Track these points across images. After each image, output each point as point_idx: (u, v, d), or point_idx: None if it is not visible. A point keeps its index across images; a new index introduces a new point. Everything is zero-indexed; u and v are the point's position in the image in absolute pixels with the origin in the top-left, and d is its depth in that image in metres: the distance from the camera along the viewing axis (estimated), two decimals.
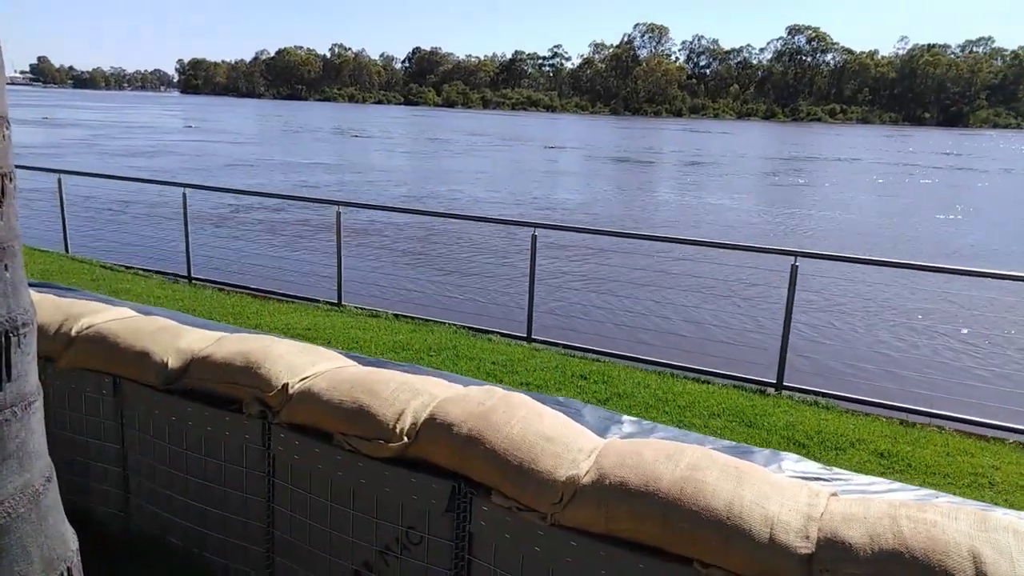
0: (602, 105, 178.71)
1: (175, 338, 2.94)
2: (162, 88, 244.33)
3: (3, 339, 0.91)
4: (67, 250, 9.04)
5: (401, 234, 12.12)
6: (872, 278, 9.39)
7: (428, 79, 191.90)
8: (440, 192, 20.04)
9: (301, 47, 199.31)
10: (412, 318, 6.84)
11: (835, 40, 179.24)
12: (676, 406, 4.71)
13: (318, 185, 19.90)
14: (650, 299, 8.63)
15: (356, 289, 8.42)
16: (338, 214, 7.73)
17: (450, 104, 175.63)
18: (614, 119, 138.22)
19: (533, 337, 6.44)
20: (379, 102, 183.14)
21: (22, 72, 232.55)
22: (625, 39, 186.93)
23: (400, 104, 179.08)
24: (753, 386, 5.41)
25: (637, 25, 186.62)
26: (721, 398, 4.90)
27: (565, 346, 6.21)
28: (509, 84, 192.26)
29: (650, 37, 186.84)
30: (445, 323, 6.68)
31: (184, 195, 8.24)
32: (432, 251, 10.20)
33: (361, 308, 7.36)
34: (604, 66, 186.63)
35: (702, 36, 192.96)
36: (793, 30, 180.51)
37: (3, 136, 0.91)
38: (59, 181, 9.29)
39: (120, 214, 12.97)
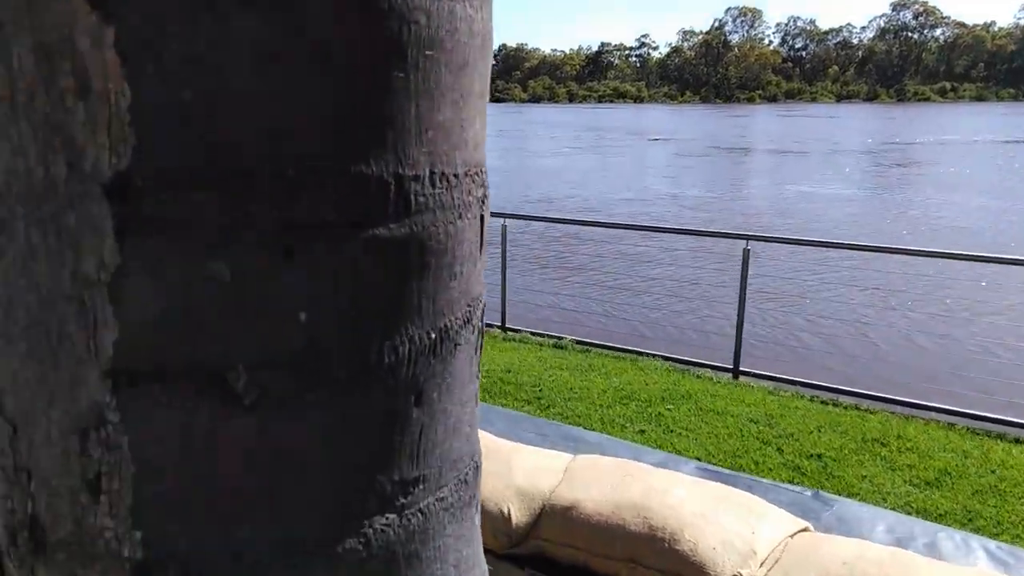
0: (691, 94, 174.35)
1: (506, 466, 2.05)
2: None
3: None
4: None
5: (541, 243, 11.59)
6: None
7: (514, 75, 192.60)
8: (569, 194, 19.54)
9: None
10: (606, 348, 6.49)
11: (945, 13, 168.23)
12: None
13: None
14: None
15: (521, 312, 7.71)
16: (504, 227, 7.28)
17: (536, 99, 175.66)
18: (706, 107, 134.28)
19: (741, 370, 5.92)
20: None
21: None
22: (716, 24, 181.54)
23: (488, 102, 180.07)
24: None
25: (729, 9, 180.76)
26: None
27: (791, 381, 5.69)
28: (595, 77, 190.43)
29: (742, 21, 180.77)
30: (644, 354, 6.27)
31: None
32: (590, 264, 9.69)
33: (535, 332, 6.97)
34: (693, 53, 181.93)
35: (798, 17, 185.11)
36: (898, 5, 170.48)
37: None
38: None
39: None
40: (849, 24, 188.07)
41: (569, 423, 4.22)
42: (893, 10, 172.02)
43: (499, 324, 7.12)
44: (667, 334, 7.42)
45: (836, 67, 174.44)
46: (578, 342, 6.56)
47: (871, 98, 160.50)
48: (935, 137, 40.86)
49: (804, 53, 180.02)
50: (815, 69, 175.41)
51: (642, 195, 18.01)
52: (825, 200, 18.62)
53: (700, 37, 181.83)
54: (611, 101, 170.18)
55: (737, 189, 20.35)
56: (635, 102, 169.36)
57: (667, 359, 6.18)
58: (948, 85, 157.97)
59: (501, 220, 7.08)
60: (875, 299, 8.31)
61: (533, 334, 6.75)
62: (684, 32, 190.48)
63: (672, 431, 4.58)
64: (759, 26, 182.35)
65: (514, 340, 6.73)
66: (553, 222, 9.84)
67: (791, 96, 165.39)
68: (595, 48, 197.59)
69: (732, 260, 6.66)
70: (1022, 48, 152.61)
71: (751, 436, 4.45)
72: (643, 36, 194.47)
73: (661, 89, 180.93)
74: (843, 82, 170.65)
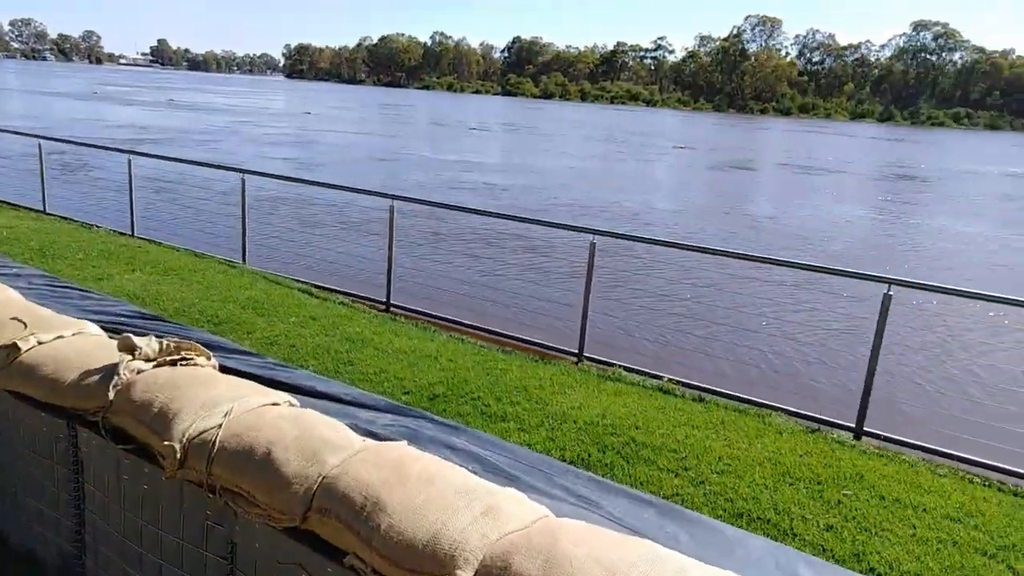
0: (704, 101, 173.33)
1: None
2: (268, 72, 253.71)
3: None
4: (244, 258, 7.65)
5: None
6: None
7: (527, 69, 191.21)
8: (616, 201, 18.15)
9: (403, 34, 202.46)
10: (721, 395, 5.23)
11: (965, 37, 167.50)
12: None
13: (501, 185, 18.25)
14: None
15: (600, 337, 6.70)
16: (592, 244, 6.32)
17: (548, 96, 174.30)
18: (719, 116, 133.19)
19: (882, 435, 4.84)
20: (477, 91, 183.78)
21: (143, 54, 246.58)
22: (734, 31, 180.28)
23: (498, 94, 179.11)
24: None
25: (748, 17, 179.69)
26: None
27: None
28: (609, 76, 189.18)
29: (761, 30, 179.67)
30: (767, 407, 5.02)
31: (392, 208, 7.13)
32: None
33: (628, 368, 5.78)
34: (709, 60, 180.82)
35: (817, 30, 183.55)
36: (919, 26, 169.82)
37: None
38: (243, 182, 8.41)
39: (314, 226, 11.75)
40: (868, 41, 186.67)
41: (731, 510, 3.09)
42: (914, 30, 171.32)
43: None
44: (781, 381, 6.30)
45: (851, 84, 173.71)
46: (684, 384, 5.42)
47: (885, 119, 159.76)
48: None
49: (821, 67, 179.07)
50: (830, 84, 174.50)
51: (738, 222, 16.39)
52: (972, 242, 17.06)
53: (718, 43, 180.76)
54: (623, 103, 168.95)
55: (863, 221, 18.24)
56: (647, 105, 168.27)
57: (794, 415, 5.05)
58: (963, 111, 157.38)
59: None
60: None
61: (627, 369, 5.62)
62: (702, 37, 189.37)
63: (869, 531, 3.44)
64: (778, 36, 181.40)
65: (595, 375, 5.59)
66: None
67: (804, 111, 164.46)
68: (610, 47, 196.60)
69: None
70: None
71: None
72: (660, 38, 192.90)
73: (674, 94, 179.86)
74: (857, 100, 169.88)
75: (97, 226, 9.56)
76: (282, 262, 9.19)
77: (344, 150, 27.76)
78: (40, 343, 2.40)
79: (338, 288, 7.64)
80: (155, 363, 2.21)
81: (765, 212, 18.97)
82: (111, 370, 2.17)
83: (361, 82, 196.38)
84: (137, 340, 2.23)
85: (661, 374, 5.44)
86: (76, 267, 6.67)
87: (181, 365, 2.22)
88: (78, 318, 2.67)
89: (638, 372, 5.54)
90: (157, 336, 2.32)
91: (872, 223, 18.56)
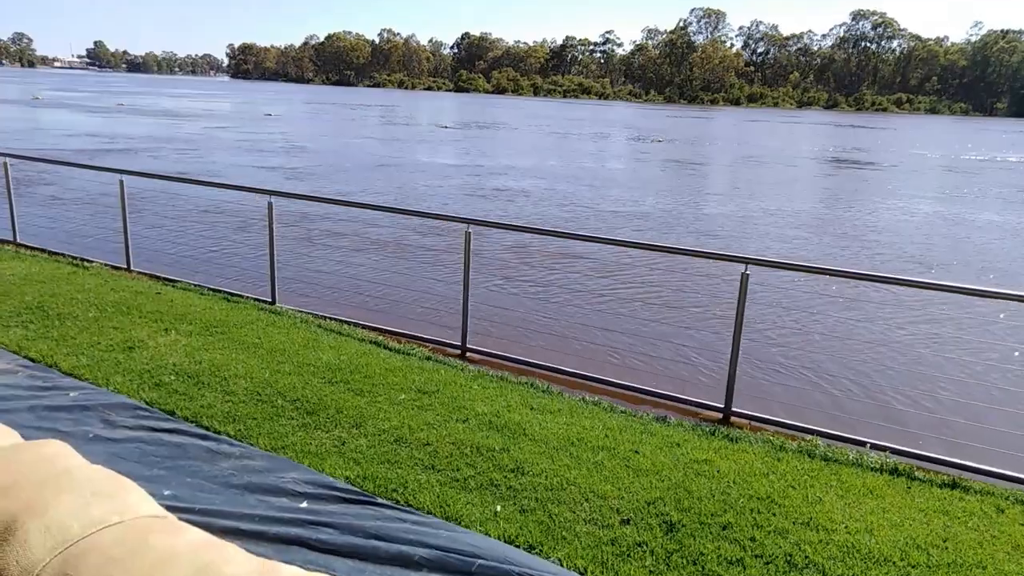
0: (656, 93, 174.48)
1: None
2: (212, 72, 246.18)
3: None
4: (274, 295, 6.06)
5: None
6: None
7: (477, 65, 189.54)
8: (669, 208, 16.68)
9: (350, 32, 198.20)
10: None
11: (902, 26, 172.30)
12: None
13: (537, 193, 16.75)
14: None
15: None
16: (269, 204, 5.21)
17: (500, 91, 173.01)
18: (672, 107, 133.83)
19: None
20: (428, 88, 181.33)
21: (79, 56, 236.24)
22: (680, 24, 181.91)
23: (450, 91, 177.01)
24: None
25: (693, 10, 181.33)
26: None
27: None
28: (559, 71, 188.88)
29: (706, 23, 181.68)
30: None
31: (468, 234, 5.96)
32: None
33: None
34: (658, 52, 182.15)
35: (760, 22, 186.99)
36: (857, 15, 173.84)
37: None
38: (269, 206, 7.08)
39: (351, 249, 10.18)
40: (810, 31, 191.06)
41: None
42: (853, 19, 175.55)
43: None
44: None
45: (797, 73, 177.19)
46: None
47: (831, 106, 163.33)
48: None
49: (766, 58, 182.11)
50: (776, 74, 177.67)
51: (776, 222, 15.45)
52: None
53: (665, 36, 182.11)
54: (575, 96, 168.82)
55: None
56: (600, 98, 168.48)
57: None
58: (904, 97, 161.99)
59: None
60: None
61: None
62: (649, 30, 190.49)
63: None
64: (723, 28, 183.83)
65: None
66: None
67: (753, 100, 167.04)
68: (559, 42, 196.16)
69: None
70: (973, 65, 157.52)
71: None
72: (608, 32, 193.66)
73: (626, 87, 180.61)
74: (803, 88, 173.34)
75: (89, 261, 8.06)
76: (323, 298, 7.85)
77: (336, 156, 26.00)
78: None
79: (417, 334, 6.39)
80: None
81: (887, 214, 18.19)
82: None
83: (309, 81, 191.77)
84: None
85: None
86: (94, 331, 5.27)
87: None
88: None
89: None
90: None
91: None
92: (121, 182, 8.12)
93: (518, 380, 5.14)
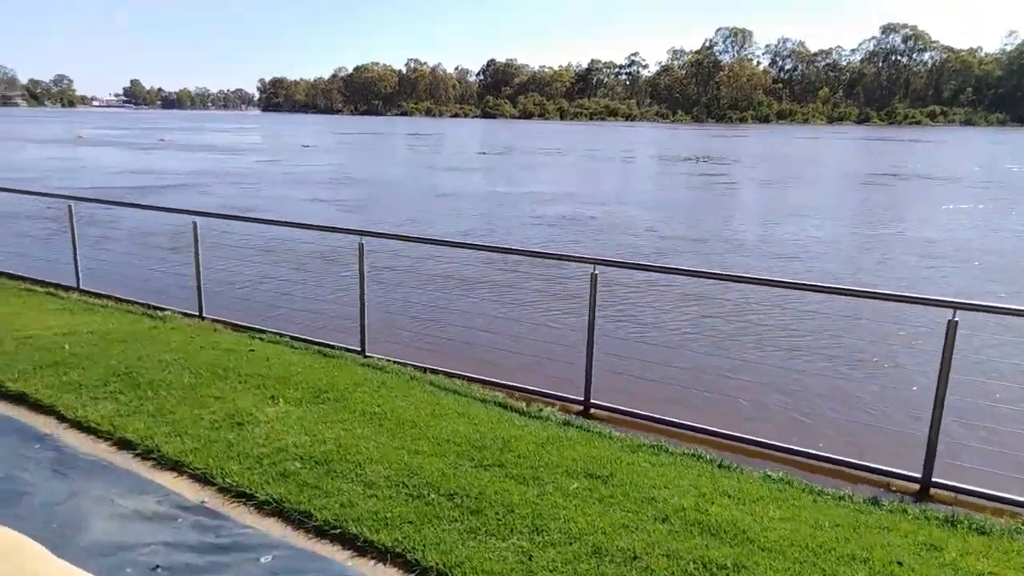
0: (683, 113, 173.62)
1: None
2: (243, 106, 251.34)
3: None
4: (364, 346, 5.30)
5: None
6: None
7: (503, 91, 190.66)
8: (746, 234, 15.94)
9: (377, 63, 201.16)
10: None
11: (934, 38, 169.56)
12: None
13: (624, 222, 16.02)
14: None
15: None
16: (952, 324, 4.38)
17: (527, 115, 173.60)
18: (699, 127, 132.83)
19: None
20: (455, 115, 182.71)
21: (116, 95, 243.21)
22: (706, 44, 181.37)
23: (477, 117, 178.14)
24: None
25: (719, 30, 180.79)
26: None
27: None
28: (585, 94, 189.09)
29: (732, 42, 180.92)
30: None
31: (594, 276, 5.20)
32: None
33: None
34: (684, 72, 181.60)
35: (787, 39, 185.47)
36: (887, 29, 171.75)
37: None
38: (360, 247, 6.43)
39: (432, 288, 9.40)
40: (839, 47, 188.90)
41: None
42: (883, 33, 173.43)
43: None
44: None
45: (826, 89, 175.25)
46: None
47: (862, 120, 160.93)
48: None
49: (794, 74, 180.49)
50: (804, 90, 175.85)
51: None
52: None
53: (690, 56, 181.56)
54: (602, 118, 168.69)
55: None
56: (626, 120, 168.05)
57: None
58: (938, 109, 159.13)
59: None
60: None
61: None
62: (674, 51, 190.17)
63: None
64: (749, 46, 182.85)
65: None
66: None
67: (783, 117, 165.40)
68: (584, 65, 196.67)
69: None
70: (1009, 74, 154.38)
71: None
72: (633, 55, 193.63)
73: (652, 108, 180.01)
74: (833, 104, 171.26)
75: (161, 309, 7.47)
76: (412, 345, 7.13)
77: (392, 187, 25.51)
78: None
79: (528, 386, 5.65)
80: None
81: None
82: None
83: (338, 111, 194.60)
84: None
85: None
86: (192, 402, 4.59)
87: None
88: None
89: None
90: None
91: None
92: (195, 223, 7.55)
93: (686, 452, 4.34)
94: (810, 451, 4.73)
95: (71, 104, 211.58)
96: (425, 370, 5.83)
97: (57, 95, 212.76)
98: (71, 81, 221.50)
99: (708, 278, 6.62)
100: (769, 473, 4.12)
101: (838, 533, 3.32)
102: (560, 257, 6.31)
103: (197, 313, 7.54)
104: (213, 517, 3.28)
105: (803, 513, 3.54)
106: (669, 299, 9.75)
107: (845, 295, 5.29)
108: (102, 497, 3.37)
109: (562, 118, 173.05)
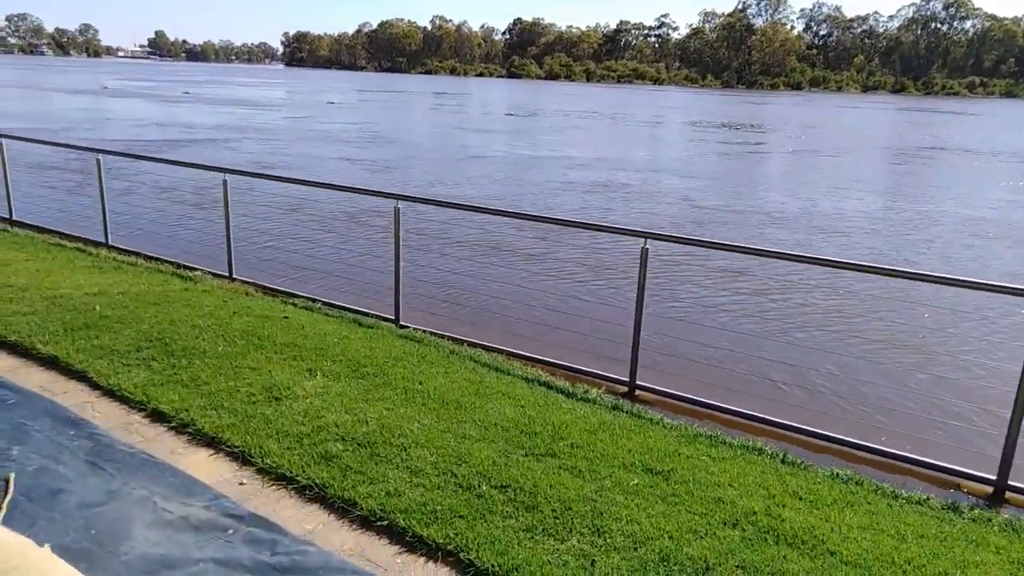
0: (712, 78, 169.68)
1: None
2: (267, 60, 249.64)
3: None
4: (399, 315, 5.11)
5: None
6: None
7: (529, 51, 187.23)
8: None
9: (402, 19, 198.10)
10: None
11: (976, 5, 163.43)
12: None
13: (696, 198, 15.19)
14: None
15: None
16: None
17: (553, 76, 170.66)
18: (730, 92, 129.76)
19: None
20: (480, 75, 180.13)
21: (141, 46, 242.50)
22: (739, 7, 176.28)
23: (502, 77, 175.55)
24: None
25: None
26: None
27: None
28: (612, 56, 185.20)
29: (766, 4, 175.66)
30: None
31: (645, 250, 4.89)
32: None
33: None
34: (715, 36, 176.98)
35: (823, 3, 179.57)
36: None
37: None
38: (396, 210, 6.15)
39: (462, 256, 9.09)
40: (876, 12, 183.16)
41: None
42: None
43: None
44: None
45: (862, 56, 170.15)
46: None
47: (897, 90, 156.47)
48: None
49: (829, 41, 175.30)
50: (839, 57, 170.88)
51: None
52: None
53: (722, 19, 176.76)
54: (630, 81, 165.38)
55: None
56: (654, 83, 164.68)
57: None
58: (977, 80, 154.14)
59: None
60: None
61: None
62: (706, 13, 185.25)
63: None
64: (783, 10, 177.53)
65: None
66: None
67: (815, 84, 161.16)
68: (612, 26, 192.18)
69: None
70: None
71: None
72: (663, 16, 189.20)
73: (681, 72, 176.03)
74: (868, 72, 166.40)
75: (192, 269, 7.30)
76: (449, 316, 6.91)
77: (419, 148, 25.05)
78: None
79: (565, 363, 5.42)
80: None
81: None
82: None
83: (362, 68, 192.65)
84: None
85: None
86: (228, 373, 4.40)
87: None
88: None
89: None
90: None
91: None
92: (224, 181, 7.31)
93: (746, 445, 4.09)
94: (874, 446, 4.45)
95: (96, 54, 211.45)
96: (463, 343, 5.61)
97: (83, 44, 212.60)
98: (96, 31, 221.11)
99: (771, 257, 6.25)
100: (837, 471, 3.86)
101: (924, 547, 3.07)
102: (611, 229, 6.00)
103: (227, 274, 7.36)
104: (267, 529, 3.03)
105: (882, 521, 3.28)
106: (707, 274, 9.42)
107: (903, 278, 4.94)
108: (144, 499, 3.17)
109: (588, 80, 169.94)
